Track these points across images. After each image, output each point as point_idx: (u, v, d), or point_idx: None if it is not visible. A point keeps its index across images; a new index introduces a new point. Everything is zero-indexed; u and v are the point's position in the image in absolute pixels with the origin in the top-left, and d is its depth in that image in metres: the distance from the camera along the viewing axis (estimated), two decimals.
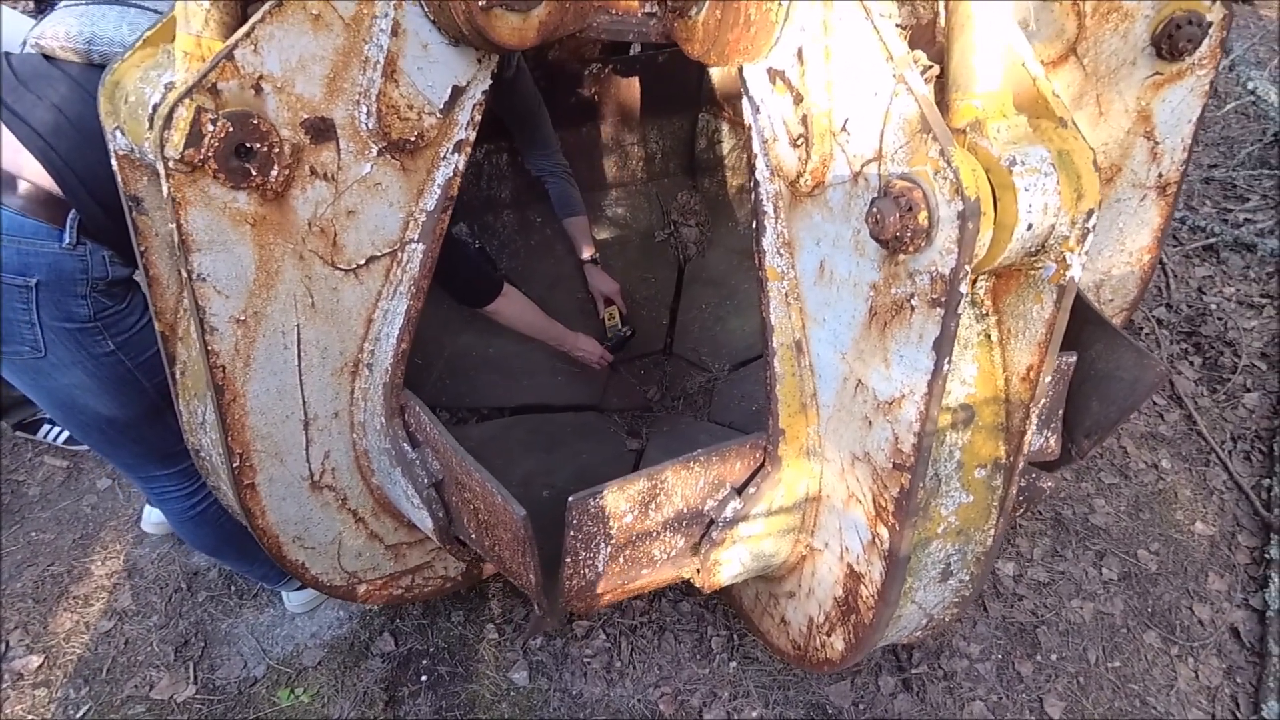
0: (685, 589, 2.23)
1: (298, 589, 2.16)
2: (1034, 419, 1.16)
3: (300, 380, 1.33)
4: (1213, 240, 3.54)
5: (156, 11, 1.38)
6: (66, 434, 2.67)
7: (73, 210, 1.35)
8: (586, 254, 2.57)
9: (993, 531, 1.29)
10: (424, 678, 2.07)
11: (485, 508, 1.36)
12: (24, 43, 1.43)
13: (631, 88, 2.73)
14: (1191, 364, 3.05)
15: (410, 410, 1.46)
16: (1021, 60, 1.00)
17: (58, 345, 1.43)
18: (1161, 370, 1.56)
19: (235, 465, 1.33)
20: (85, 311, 1.42)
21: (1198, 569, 2.32)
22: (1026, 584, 2.27)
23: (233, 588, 2.29)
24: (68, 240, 1.36)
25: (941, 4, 1.03)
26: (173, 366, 1.40)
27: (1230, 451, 2.67)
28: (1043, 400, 1.18)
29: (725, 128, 2.83)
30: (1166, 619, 2.18)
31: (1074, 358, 1.54)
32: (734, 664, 2.07)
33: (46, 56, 1.39)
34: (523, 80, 2.33)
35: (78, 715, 2.00)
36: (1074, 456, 1.70)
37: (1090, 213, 0.98)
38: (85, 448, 2.68)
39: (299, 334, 1.27)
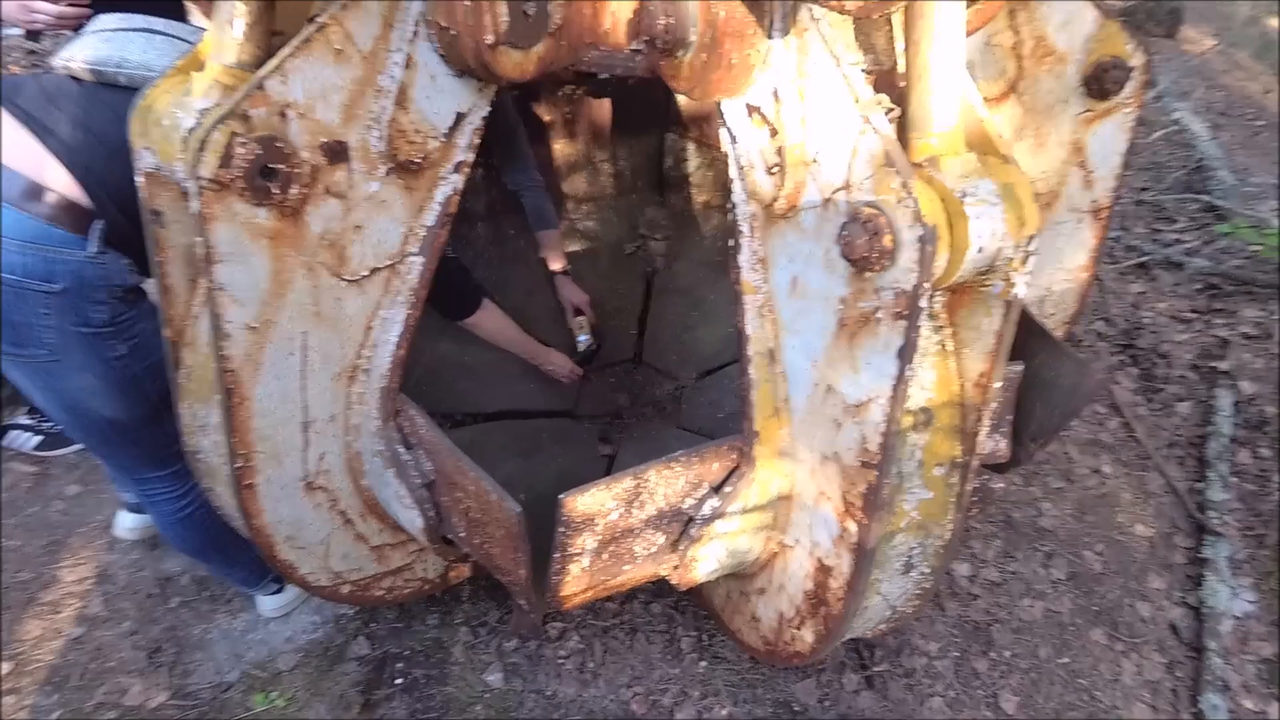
0: (656, 591, 2.32)
1: (272, 594, 2.20)
2: (986, 421, 1.30)
3: (303, 384, 1.39)
4: (1145, 259, 3.79)
5: (179, 38, 1.46)
6: (36, 440, 2.65)
7: (98, 220, 1.41)
8: (557, 265, 2.66)
9: (951, 526, 1.42)
10: (399, 680, 2.10)
11: (478, 506, 1.44)
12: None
13: (603, 108, 2.85)
14: (1129, 374, 3.27)
15: (405, 413, 1.53)
16: (972, 105, 1.13)
17: (73, 349, 1.48)
18: (1099, 378, 1.72)
19: (238, 466, 1.38)
20: (102, 317, 1.48)
21: (1139, 569, 2.49)
22: (980, 584, 2.42)
23: (206, 593, 2.30)
24: (93, 248, 1.42)
25: (901, 54, 1.16)
26: (178, 371, 1.45)
27: (1166, 457, 2.87)
28: (994, 404, 1.31)
29: (691, 147, 2.96)
30: (1111, 617, 2.33)
31: (1021, 367, 1.69)
32: (704, 663, 2.16)
33: (74, 78, 1.45)
34: (503, 100, 2.43)
35: None
36: (1022, 459, 1.85)
37: (1031, 238, 1.12)
38: (55, 453, 2.66)
39: (305, 340, 1.34)
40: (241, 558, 2.06)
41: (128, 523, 2.37)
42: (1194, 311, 3.49)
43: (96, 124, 1.41)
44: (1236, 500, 2.66)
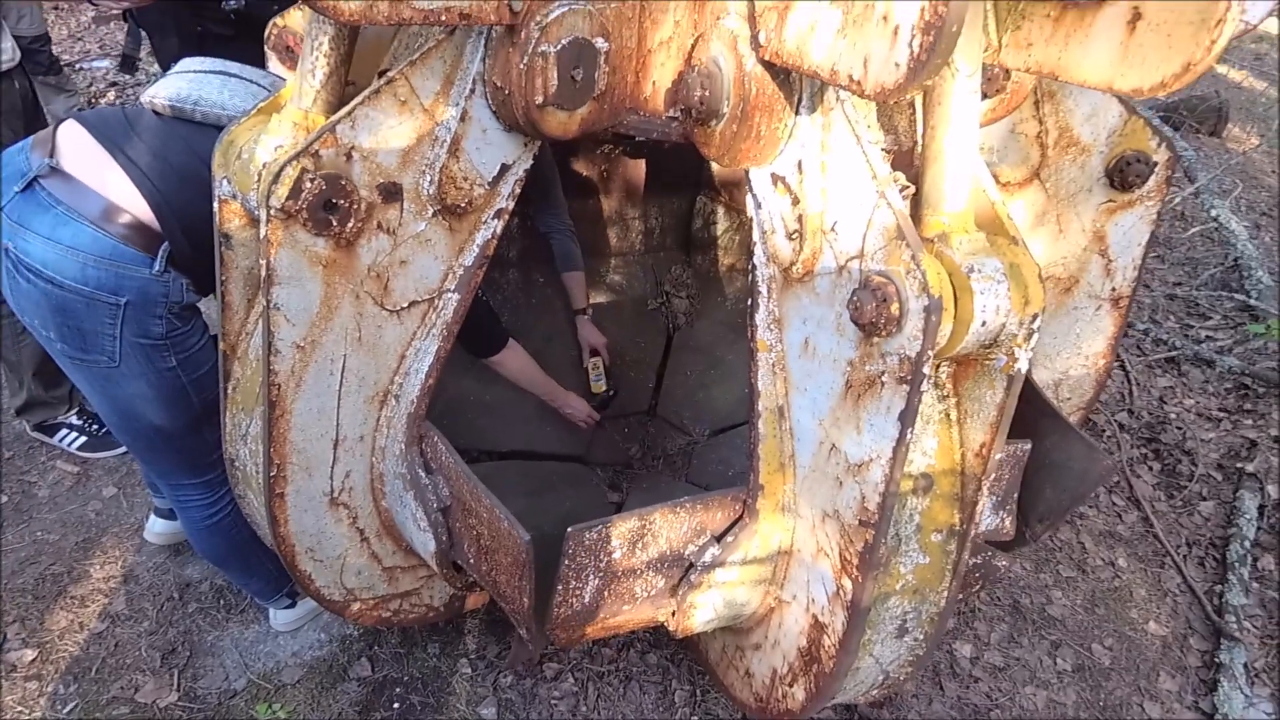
0: (654, 641, 2.33)
1: (285, 607, 2.26)
2: (985, 491, 1.33)
3: (338, 403, 1.48)
4: (1174, 353, 3.77)
5: (252, 81, 1.63)
6: (82, 440, 2.78)
7: (165, 243, 1.56)
8: (579, 305, 2.77)
9: (946, 593, 1.44)
10: (396, 705, 2.14)
11: (489, 532, 1.50)
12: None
13: (638, 168, 2.99)
14: (1150, 469, 3.23)
15: (429, 440, 1.61)
16: (983, 187, 1.21)
17: (131, 358, 1.62)
18: (1109, 464, 1.73)
19: (272, 474, 1.47)
20: (160, 330, 1.62)
21: (1150, 667, 2.43)
22: (983, 667, 2.38)
23: (221, 602, 2.38)
24: (158, 268, 1.57)
25: (920, 135, 1.25)
26: (227, 382, 1.55)
27: (1185, 556, 2.81)
28: (993, 475, 1.34)
29: (720, 210, 3.07)
30: (1118, 714, 2.27)
31: (1028, 445, 1.72)
32: (695, 718, 2.15)
33: (155, 112, 1.61)
34: (544, 149, 2.58)
35: (65, 711, 2.06)
36: (1028, 539, 1.86)
37: (1035, 316, 1.17)
38: (96, 455, 2.79)
39: (345, 362, 1.44)
40: (260, 569, 2.13)
41: (157, 528, 2.46)
42: (1223, 410, 3.46)
43: (172, 155, 1.58)
44: (1257, 606, 2.60)
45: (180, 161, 1.56)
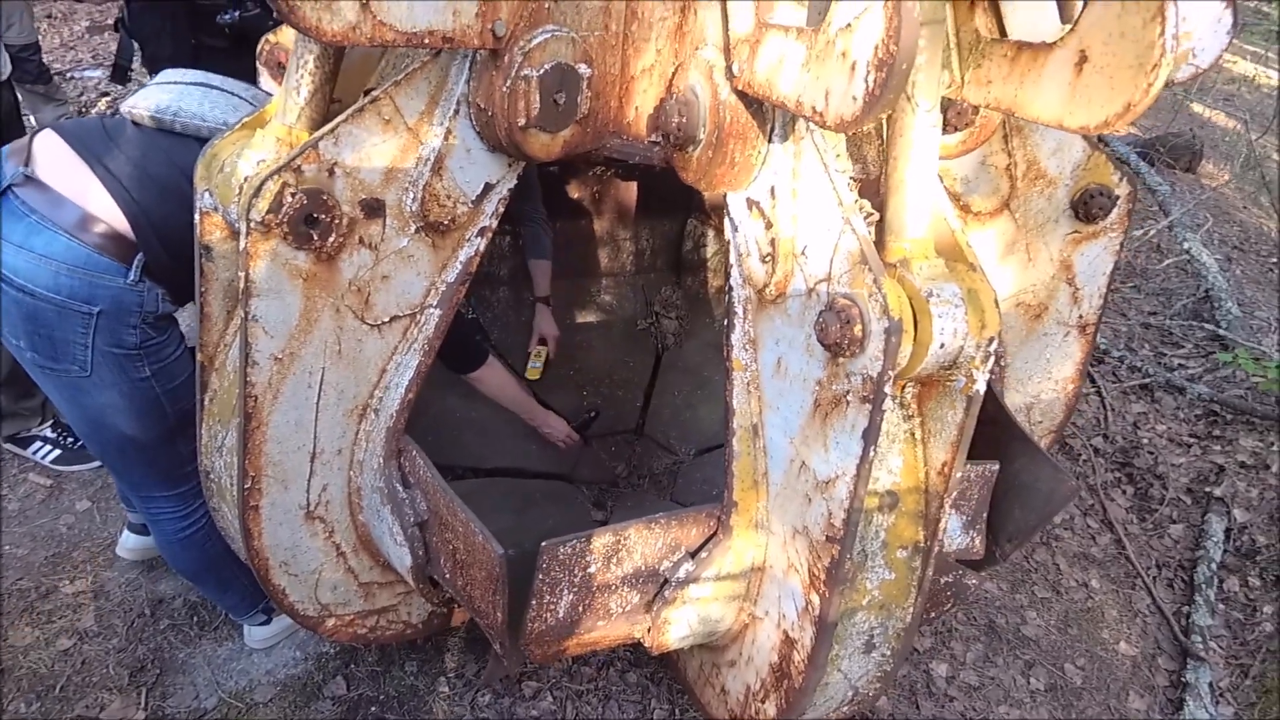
0: (633, 660, 2.34)
1: (261, 624, 2.25)
2: (948, 509, 1.36)
3: (316, 416, 1.50)
4: (1148, 380, 3.85)
5: (233, 93, 1.65)
6: (56, 453, 2.77)
7: (140, 253, 1.57)
8: (541, 293, 2.78)
9: (912, 609, 1.46)
10: None
11: (465, 547, 1.52)
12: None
13: (629, 190, 3.04)
14: (1124, 492, 3.28)
15: (407, 454, 1.63)
16: (944, 216, 1.26)
17: (103, 367, 1.63)
18: (1073, 485, 1.78)
19: (247, 487, 1.48)
20: (134, 339, 1.63)
21: (1120, 687, 2.47)
22: (958, 686, 2.40)
23: (195, 618, 2.36)
24: (132, 277, 1.58)
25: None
26: (204, 393, 1.57)
27: (1155, 578, 2.86)
28: (955, 493, 1.38)
29: (710, 233, 3.13)
30: None
31: (996, 466, 1.76)
32: None
33: (135, 122, 1.64)
34: None
35: None
36: (998, 558, 1.89)
37: (992, 339, 1.22)
38: (70, 468, 2.78)
39: (323, 376, 1.46)
40: (235, 585, 2.12)
41: (130, 543, 2.45)
42: (1193, 436, 3.53)
43: (150, 165, 1.60)
44: (1223, 627, 2.64)
45: (160, 172, 1.58)
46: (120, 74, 2.67)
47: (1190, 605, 2.70)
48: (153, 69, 2.92)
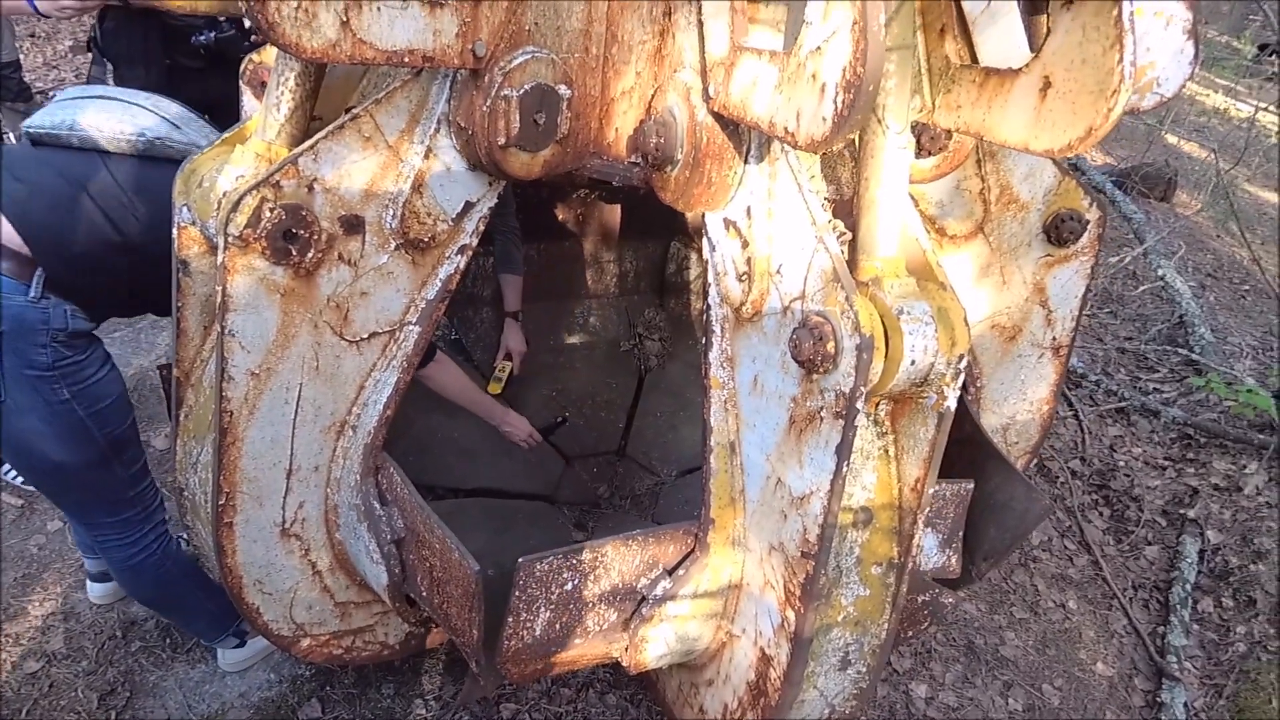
0: (613, 682, 2.32)
1: (234, 647, 2.21)
2: (921, 525, 1.37)
3: (293, 433, 1.50)
4: (1124, 404, 3.90)
5: (132, 102, 1.68)
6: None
7: (40, 268, 1.57)
8: (510, 308, 2.78)
9: (887, 626, 1.47)
10: None
11: (441, 564, 1.51)
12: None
13: (613, 212, 3.07)
14: (1101, 514, 3.32)
15: (385, 471, 1.62)
16: (915, 236, 1.28)
17: (17, 390, 1.59)
18: (1046, 504, 1.80)
19: (221, 503, 1.47)
20: (45, 359, 1.59)
21: (1097, 707, 2.48)
22: (937, 706, 2.40)
23: (168, 640, 2.32)
24: (33, 294, 1.56)
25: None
26: (179, 409, 1.56)
27: (1131, 599, 2.88)
28: (928, 509, 1.39)
29: (693, 256, 3.16)
30: None
31: (971, 485, 1.78)
32: None
33: (33, 141, 1.66)
34: None
35: None
36: (974, 577, 1.90)
37: (962, 357, 1.24)
38: None
39: (300, 391, 1.46)
40: (199, 610, 2.08)
41: (96, 592, 2.37)
42: (1168, 459, 3.58)
43: (43, 180, 1.59)
44: (1197, 647, 2.66)
45: (50, 186, 1.58)
46: None
47: (1165, 626, 2.72)
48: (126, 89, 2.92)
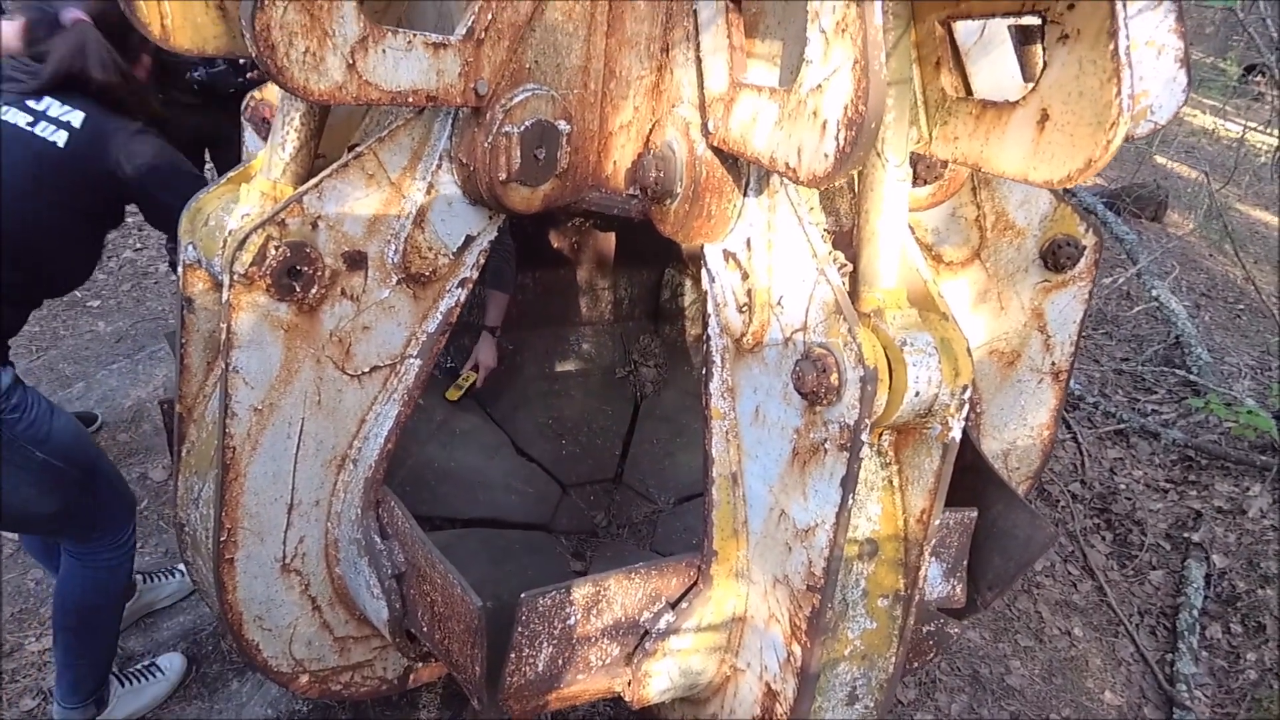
0: (612, 715, 2.28)
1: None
2: (928, 556, 1.36)
3: (294, 467, 1.49)
4: (1123, 426, 3.90)
5: None
6: None
7: None
8: (490, 323, 2.76)
9: (894, 659, 1.45)
10: None
11: (443, 599, 1.49)
12: None
13: (608, 240, 3.09)
14: (1103, 538, 3.30)
15: (385, 505, 1.61)
16: (916, 267, 1.29)
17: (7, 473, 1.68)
18: (1051, 531, 1.78)
19: (222, 539, 1.45)
20: (6, 432, 1.65)
21: None
22: None
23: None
24: None
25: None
26: (181, 445, 1.55)
27: (1138, 625, 2.86)
28: (934, 540, 1.38)
29: (688, 283, 3.17)
30: None
31: (975, 513, 1.77)
32: None
33: None
34: None
35: None
36: (979, 606, 1.88)
37: (965, 387, 1.24)
38: None
39: (303, 426, 1.45)
40: (90, 657, 2.05)
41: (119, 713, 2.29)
42: (1169, 482, 3.57)
43: None
44: (1207, 675, 2.64)
45: None
46: None
47: (1174, 653, 2.69)
48: None
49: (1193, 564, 2.99)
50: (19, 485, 1.69)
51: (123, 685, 2.17)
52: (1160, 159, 8.17)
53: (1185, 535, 3.17)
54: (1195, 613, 2.78)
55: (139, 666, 2.27)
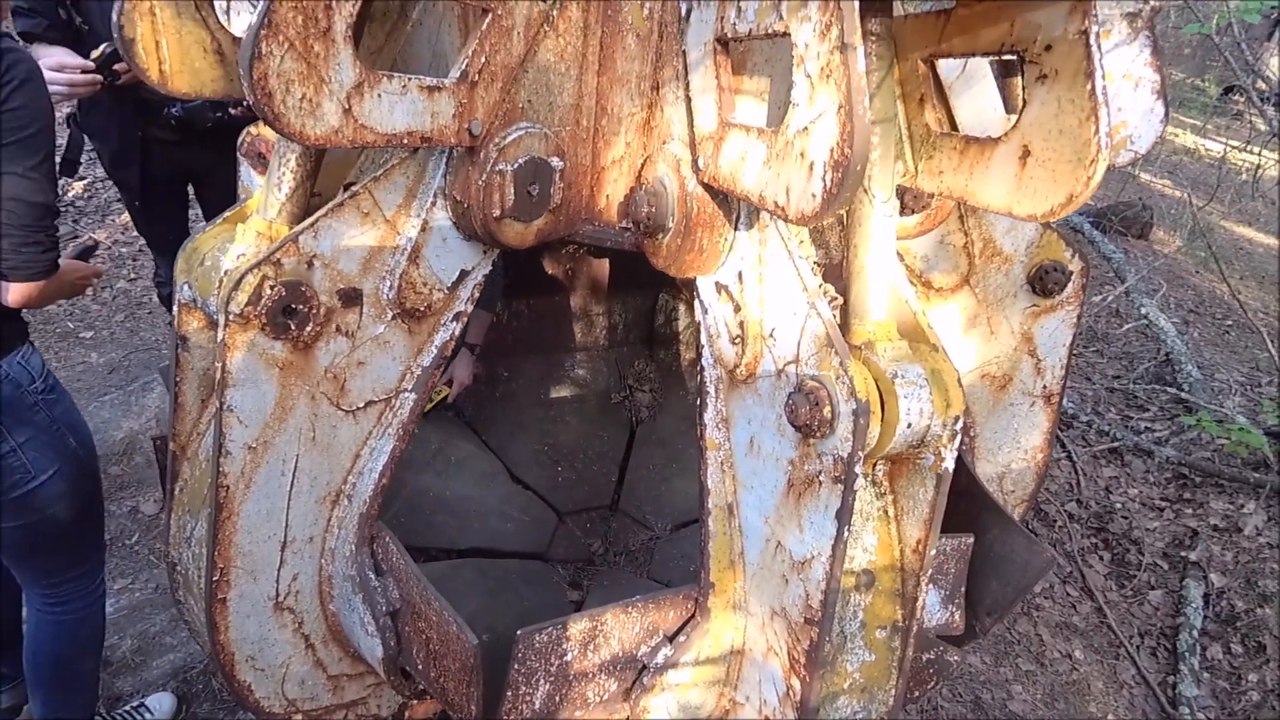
0: None
1: None
2: (925, 587, 1.36)
3: (288, 504, 1.48)
4: (1117, 444, 3.92)
5: None
6: None
7: None
8: (470, 339, 2.74)
9: (894, 691, 1.44)
10: None
11: (438, 637, 1.48)
12: None
13: (602, 266, 3.10)
14: (1101, 558, 3.30)
15: (380, 540, 1.60)
16: (905, 299, 1.30)
17: (42, 460, 1.69)
18: (1049, 556, 1.79)
19: (215, 578, 1.44)
20: (43, 416, 1.67)
21: None
22: None
23: None
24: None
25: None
26: (174, 483, 1.54)
27: (1138, 647, 2.85)
28: (931, 570, 1.38)
29: (681, 308, 3.19)
30: None
31: (971, 539, 1.77)
32: None
33: None
34: None
35: None
36: (978, 633, 1.88)
37: (957, 418, 1.25)
38: None
39: (297, 463, 1.45)
40: (69, 710, 2.03)
41: None
42: (1164, 500, 3.58)
43: None
44: (1209, 697, 2.63)
45: None
46: (69, 167, 2.71)
47: (1175, 675, 2.68)
48: (102, 162, 2.99)
49: (1191, 583, 2.99)
50: (56, 476, 1.68)
51: None
52: (1145, 176, 8.28)
53: (1182, 554, 3.17)
54: (1195, 633, 2.78)
55: (128, 708, 2.24)
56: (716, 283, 1.46)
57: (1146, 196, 7.53)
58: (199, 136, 2.73)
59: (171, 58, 1.33)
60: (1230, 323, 5.78)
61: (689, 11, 1.28)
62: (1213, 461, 3.66)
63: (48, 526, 1.76)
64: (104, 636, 2.06)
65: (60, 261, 1.61)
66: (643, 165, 1.50)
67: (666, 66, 1.39)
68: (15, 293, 1.56)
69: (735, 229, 1.40)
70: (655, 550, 2.68)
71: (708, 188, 1.34)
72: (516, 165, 1.35)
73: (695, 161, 1.32)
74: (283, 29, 1.00)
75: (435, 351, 1.55)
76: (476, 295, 1.56)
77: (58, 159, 1.68)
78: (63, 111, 2.63)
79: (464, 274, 1.51)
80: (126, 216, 4.59)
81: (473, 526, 2.56)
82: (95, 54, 2.33)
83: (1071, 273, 2.00)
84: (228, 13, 1.37)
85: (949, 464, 1.26)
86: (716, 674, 1.57)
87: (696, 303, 1.54)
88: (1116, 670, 2.74)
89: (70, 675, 2.01)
